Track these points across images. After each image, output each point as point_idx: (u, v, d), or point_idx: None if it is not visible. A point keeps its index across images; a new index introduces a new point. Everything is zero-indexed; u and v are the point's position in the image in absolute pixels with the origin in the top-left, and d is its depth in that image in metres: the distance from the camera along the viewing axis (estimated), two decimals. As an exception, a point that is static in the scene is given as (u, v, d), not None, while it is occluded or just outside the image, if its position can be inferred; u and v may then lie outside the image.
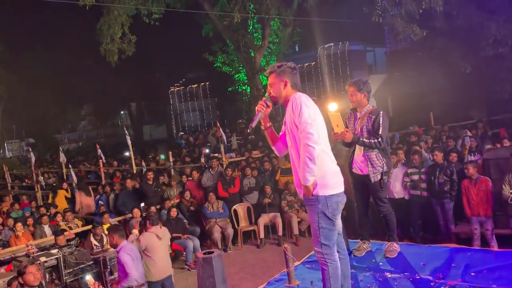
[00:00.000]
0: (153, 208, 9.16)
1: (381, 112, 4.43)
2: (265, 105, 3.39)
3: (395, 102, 22.82)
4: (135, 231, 7.07)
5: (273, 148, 3.66)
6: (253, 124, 3.41)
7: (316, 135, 3.15)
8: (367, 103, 4.56)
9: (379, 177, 4.43)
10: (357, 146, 4.50)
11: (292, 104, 3.29)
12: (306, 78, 25.11)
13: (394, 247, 4.62)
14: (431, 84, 19.47)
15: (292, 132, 3.32)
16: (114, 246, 6.04)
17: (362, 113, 4.53)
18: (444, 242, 7.37)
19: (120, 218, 9.70)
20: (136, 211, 9.32)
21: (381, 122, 4.37)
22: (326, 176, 3.28)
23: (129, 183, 10.74)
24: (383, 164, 4.42)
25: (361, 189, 4.64)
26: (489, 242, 7.04)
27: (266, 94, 3.45)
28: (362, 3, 15.99)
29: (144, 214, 8.95)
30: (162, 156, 16.00)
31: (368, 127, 4.44)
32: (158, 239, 6.65)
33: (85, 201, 11.69)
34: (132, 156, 13.12)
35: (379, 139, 4.35)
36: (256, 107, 3.40)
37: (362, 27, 19.69)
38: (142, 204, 9.68)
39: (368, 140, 4.35)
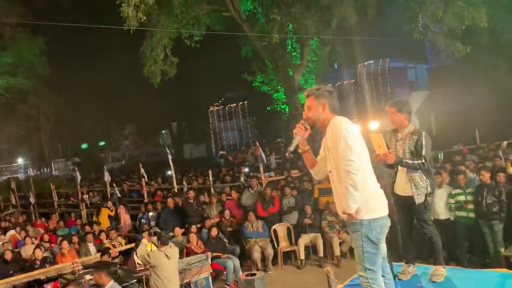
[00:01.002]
0: (194, 227, 9.25)
1: (424, 133, 4.36)
2: (303, 129, 3.37)
3: (439, 119, 22.28)
4: (144, 240, 7.17)
5: (310, 171, 3.64)
6: (291, 148, 3.39)
7: (358, 161, 3.11)
8: (408, 124, 4.49)
9: (423, 198, 4.33)
10: (399, 167, 4.41)
11: (331, 128, 3.26)
12: (346, 96, 24.95)
13: (441, 271, 4.46)
14: (476, 101, 18.92)
15: (333, 156, 3.29)
16: (101, 285, 5.22)
17: (404, 133, 4.46)
18: (493, 266, 7.07)
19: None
20: (177, 230, 9.42)
21: (424, 143, 4.30)
22: (369, 200, 3.23)
23: (171, 201, 10.90)
24: (427, 185, 4.32)
25: (405, 210, 4.54)
26: (542, 267, 6.68)
27: (304, 117, 3.44)
28: (403, 20, 15.86)
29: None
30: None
31: (410, 148, 4.36)
32: (167, 258, 6.70)
33: (126, 218, 11.95)
34: (174, 174, 13.34)
35: (423, 160, 4.27)
36: (294, 130, 3.39)
37: (403, 43, 19.48)
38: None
39: (411, 161, 4.28)
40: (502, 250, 7.45)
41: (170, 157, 13.35)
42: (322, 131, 3.43)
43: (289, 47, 19.11)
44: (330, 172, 3.40)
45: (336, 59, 23.47)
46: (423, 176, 4.33)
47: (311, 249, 9.87)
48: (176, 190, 12.85)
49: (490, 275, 4.49)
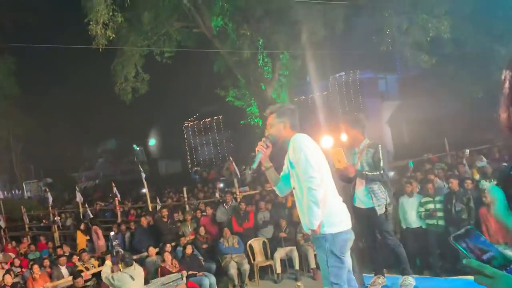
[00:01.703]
0: (168, 246, 9.15)
1: (380, 145, 4.51)
2: (265, 146, 3.40)
3: (410, 128, 22.74)
4: (108, 262, 7.09)
5: (274, 188, 3.68)
6: (254, 165, 3.43)
7: (319, 177, 3.16)
8: (364, 138, 4.60)
9: (384, 209, 4.41)
10: (358, 180, 4.50)
11: (293, 145, 3.32)
12: (318, 108, 25.20)
13: (410, 281, 4.53)
14: (444, 110, 19.39)
15: (295, 173, 3.34)
16: None
17: (360, 148, 4.56)
18: (465, 272, 7.19)
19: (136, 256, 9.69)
20: (152, 250, 9.31)
21: (380, 155, 4.44)
22: (331, 215, 3.28)
23: (144, 220, 10.77)
24: (386, 196, 4.42)
25: (366, 223, 4.61)
26: (511, 271, 6.83)
27: (265, 135, 3.48)
28: (371, 32, 16.23)
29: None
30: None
31: (368, 161, 4.46)
32: (132, 279, 6.63)
33: (99, 239, 11.73)
34: (147, 193, 13.20)
35: (382, 171, 4.39)
36: (256, 148, 3.42)
37: (373, 55, 19.89)
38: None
39: (371, 173, 4.38)
40: (472, 256, 7.59)
41: (143, 175, 13.21)
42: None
43: (260, 61, 19.25)
44: (294, 188, 3.45)
45: (308, 72, 23.74)
46: (382, 187, 4.44)
47: (287, 262, 9.88)
48: (150, 209, 12.71)
49: (459, 282, 4.58)
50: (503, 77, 1.12)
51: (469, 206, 7.64)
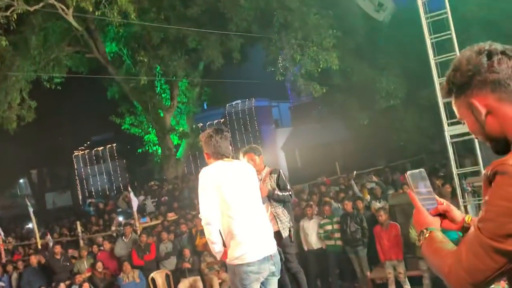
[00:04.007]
0: (62, 285, 8.50)
1: (281, 170, 4.77)
2: None
3: (303, 153, 23.83)
4: None
5: None
6: None
7: (207, 216, 3.27)
8: (264, 165, 4.79)
9: (288, 232, 4.56)
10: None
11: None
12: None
13: None
14: (335, 135, 20.68)
15: None
16: None
17: (263, 174, 4.71)
18: (362, 289, 7.64)
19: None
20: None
21: (285, 178, 4.64)
22: (236, 247, 3.31)
23: (34, 259, 9.89)
24: (289, 219, 4.59)
25: None
26: (402, 285, 7.40)
27: None
28: (266, 62, 16.91)
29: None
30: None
31: (273, 186, 4.62)
32: None
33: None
34: (36, 228, 12.17)
35: (290, 192, 4.60)
36: None
37: (267, 84, 20.70)
38: None
39: (281, 193, 4.53)
40: (368, 273, 8.10)
41: (31, 209, 12.20)
42: None
43: (158, 88, 19.04)
44: None
45: (206, 99, 23.96)
46: (285, 211, 4.60)
47: (191, 293, 9.66)
48: (39, 246, 11.70)
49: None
50: None
51: (363, 226, 8.15)
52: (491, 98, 1.25)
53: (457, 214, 1.50)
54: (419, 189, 1.46)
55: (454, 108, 1.37)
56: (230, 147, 3.56)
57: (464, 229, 1.46)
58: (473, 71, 1.26)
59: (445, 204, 1.49)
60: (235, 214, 3.29)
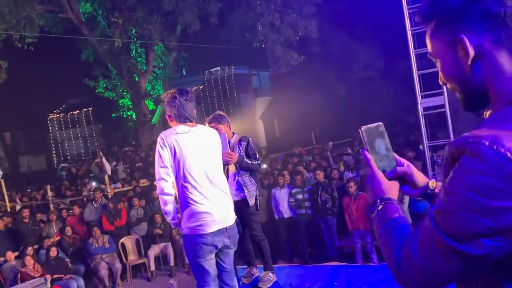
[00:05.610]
0: (29, 249, 8.39)
1: (250, 138, 4.66)
2: None
3: (281, 123, 23.76)
4: None
5: None
6: None
7: (164, 184, 3.17)
8: (232, 133, 4.68)
9: (253, 200, 4.52)
10: (229, 174, 4.54)
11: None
12: (195, 102, 25.13)
13: (269, 277, 4.62)
14: (312, 105, 20.59)
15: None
16: None
17: (232, 142, 4.61)
18: (330, 257, 7.75)
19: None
20: (9, 254, 8.45)
21: (253, 147, 4.57)
22: (189, 217, 3.21)
23: (1, 223, 9.70)
24: (256, 187, 4.54)
25: (237, 215, 4.66)
26: (369, 255, 7.51)
27: None
28: (245, 29, 16.57)
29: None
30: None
31: (240, 154, 4.53)
32: None
33: None
34: (5, 192, 11.92)
35: (259, 161, 4.58)
36: None
37: (247, 51, 20.35)
38: None
39: (250, 161, 4.46)
40: (337, 242, 8.22)
41: (0, 172, 11.93)
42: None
43: (133, 52, 18.55)
44: None
45: (184, 65, 23.51)
46: (252, 179, 4.54)
47: (161, 259, 9.69)
48: (8, 209, 11.49)
49: (323, 268, 4.86)
50: None
51: (333, 195, 8.21)
52: (486, 38, 0.98)
53: (419, 177, 1.28)
54: (376, 148, 1.23)
55: (427, 41, 1.09)
56: (195, 111, 3.43)
57: (427, 195, 1.26)
58: None
59: (405, 165, 1.26)
60: (193, 183, 3.18)
